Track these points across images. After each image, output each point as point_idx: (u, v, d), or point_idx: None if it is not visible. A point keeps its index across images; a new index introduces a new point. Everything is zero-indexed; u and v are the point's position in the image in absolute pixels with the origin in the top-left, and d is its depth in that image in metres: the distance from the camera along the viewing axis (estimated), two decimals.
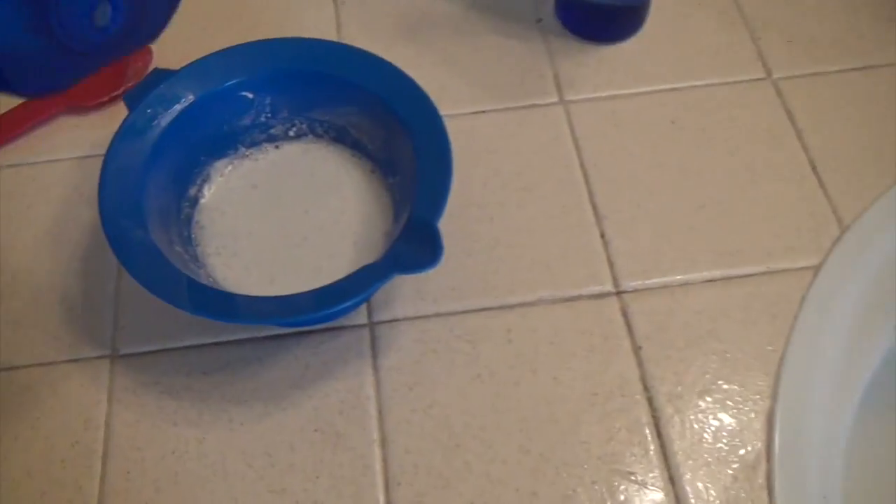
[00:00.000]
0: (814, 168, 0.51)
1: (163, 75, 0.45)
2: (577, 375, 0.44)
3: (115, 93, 0.53)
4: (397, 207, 0.45)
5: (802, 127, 0.52)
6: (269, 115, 0.47)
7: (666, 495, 0.40)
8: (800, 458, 0.41)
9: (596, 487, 0.40)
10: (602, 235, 0.48)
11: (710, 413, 0.42)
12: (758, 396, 0.43)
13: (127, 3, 0.48)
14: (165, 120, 0.44)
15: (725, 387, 0.43)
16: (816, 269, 0.47)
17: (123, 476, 0.41)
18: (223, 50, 0.46)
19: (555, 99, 0.54)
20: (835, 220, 0.48)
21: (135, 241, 0.39)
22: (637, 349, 0.45)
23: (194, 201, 0.46)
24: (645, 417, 0.42)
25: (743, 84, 0.54)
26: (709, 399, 0.43)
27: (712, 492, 0.40)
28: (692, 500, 0.40)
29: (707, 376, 0.44)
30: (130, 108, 0.44)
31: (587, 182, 0.50)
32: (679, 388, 0.43)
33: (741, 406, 0.43)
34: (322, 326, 0.45)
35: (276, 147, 0.48)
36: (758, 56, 0.56)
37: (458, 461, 0.41)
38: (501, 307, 0.46)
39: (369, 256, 0.44)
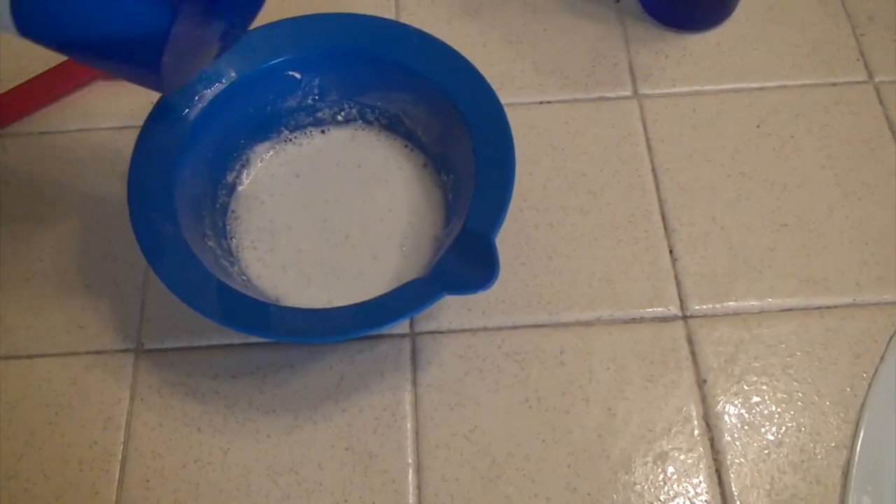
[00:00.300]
0: None
1: None
2: (634, 408, 0.40)
3: None
4: (450, 210, 0.41)
5: None
6: (317, 97, 0.44)
7: None
8: None
9: None
10: (671, 251, 0.44)
11: (779, 462, 0.39)
12: (833, 446, 0.39)
13: None
14: (205, 99, 0.41)
15: (798, 433, 0.39)
16: None
17: (142, 484, 0.38)
18: (269, 24, 0.42)
19: (628, 92, 0.49)
20: None
21: (164, 237, 0.36)
22: (702, 382, 0.41)
23: (231, 188, 0.43)
24: (705, 461, 0.39)
25: (840, 87, 0.49)
26: (778, 447, 0.39)
27: None
28: None
29: (778, 419, 0.40)
30: None
31: (658, 189, 0.46)
32: (746, 430, 0.39)
33: (814, 457, 0.39)
34: None
35: (323, 132, 0.45)
36: (859, 55, 0.50)
37: (497, 494, 0.38)
38: (556, 325, 0.42)
39: (416, 263, 0.41)
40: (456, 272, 0.35)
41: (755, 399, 0.40)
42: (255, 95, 0.42)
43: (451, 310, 0.42)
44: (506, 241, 0.44)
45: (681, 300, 0.43)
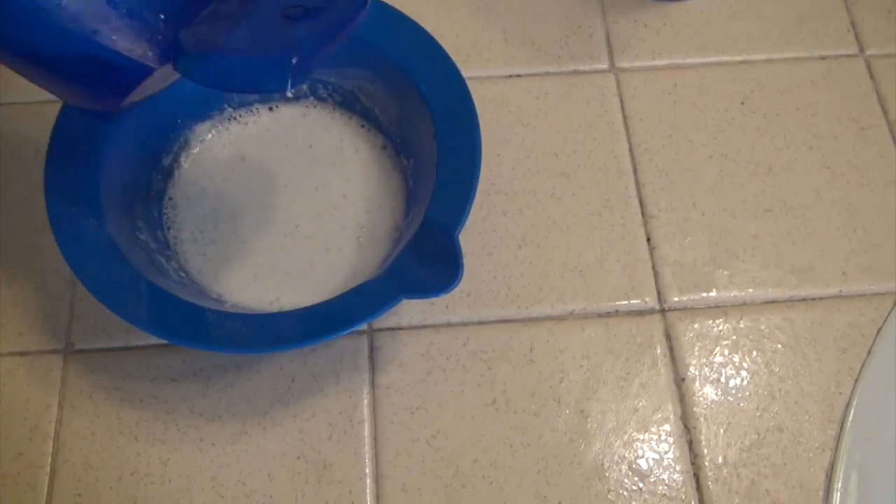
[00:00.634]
0: None
1: None
2: (608, 409, 0.37)
3: None
4: (410, 197, 0.38)
5: None
6: None
7: None
8: None
9: None
10: (648, 239, 0.41)
11: (759, 466, 0.36)
12: (817, 448, 0.37)
13: None
14: None
15: (780, 434, 0.37)
16: None
17: (73, 499, 0.35)
18: None
19: (605, 65, 0.45)
20: None
21: (87, 234, 0.32)
22: (679, 381, 0.38)
23: (168, 173, 0.39)
24: (682, 465, 0.36)
25: (829, 60, 0.46)
26: (760, 448, 0.37)
27: None
28: None
29: (759, 420, 0.37)
30: None
31: (635, 172, 0.42)
32: (725, 432, 0.37)
33: (797, 459, 0.36)
34: None
35: (271, 109, 0.40)
36: (850, 26, 0.47)
37: None
38: (525, 320, 0.39)
39: (373, 256, 0.37)
40: (415, 272, 0.32)
41: (736, 399, 0.38)
42: None
43: (412, 304, 0.39)
44: (471, 228, 0.40)
45: (658, 292, 0.40)
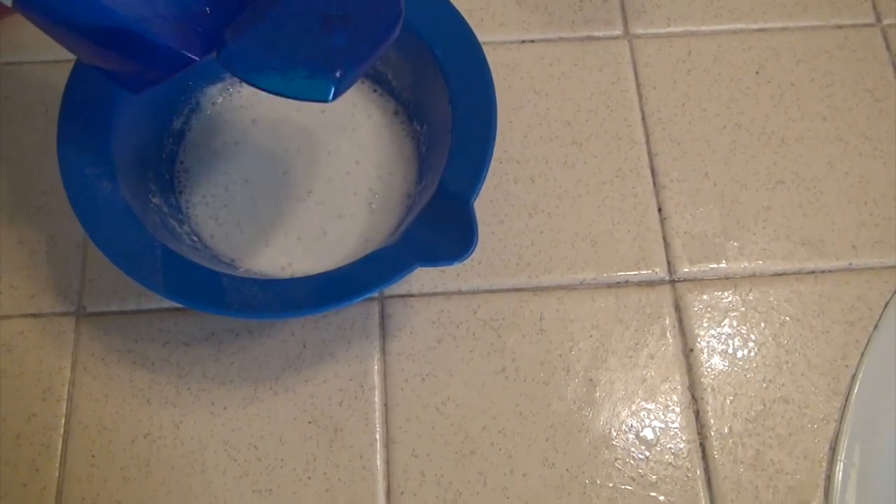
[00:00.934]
0: None
1: None
2: (616, 378, 0.38)
3: None
4: (423, 164, 0.38)
5: None
6: None
7: None
8: (861, 499, 0.36)
9: None
10: (659, 209, 0.41)
11: (765, 436, 0.37)
12: (822, 419, 0.37)
13: None
14: None
15: (786, 405, 0.37)
16: None
17: (87, 460, 0.35)
18: None
19: (619, 31, 0.45)
20: None
21: (102, 198, 0.32)
22: (688, 351, 0.38)
23: (179, 136, 0.38)
24: (689, 434, 0.37)
25: (846, 29, 0.45)
26: (766, 419, 0.37)
27: None
28: None
29: (765, 391, 0.38)
30: None
31: (648, 141, 0.42)
32: (731, 403, 0.37)
33: (801, 430, 0.37)
34: None
35: None
36: None
37: (471, 470, 0.36)
38: (535, 289, 0.39)
39: (385, 222, 0.37)
40: (429, 240, 0.32)
41: (743, 370, 0.38)
42: None
43: (424, 271, 0.39)
44: (483, 196, 0.40)
45: (669, 263, 0.40)
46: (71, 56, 0.36)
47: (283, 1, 0.27)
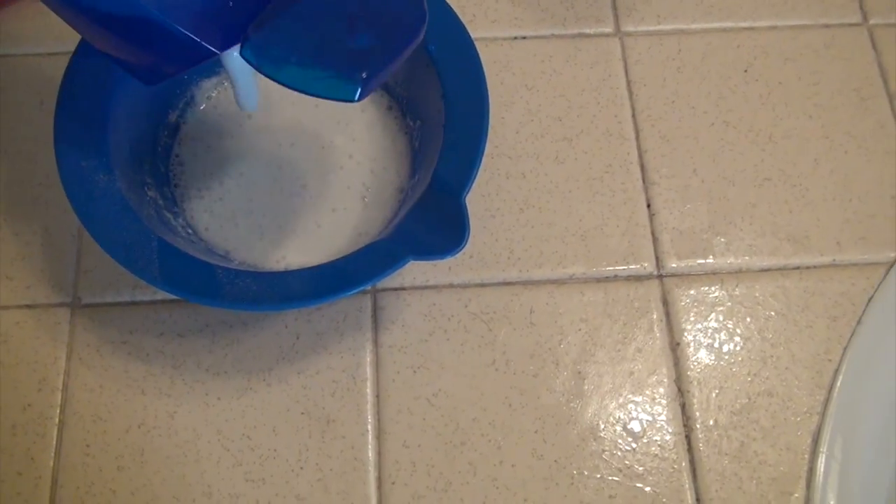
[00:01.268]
0: None
1: None
2: (604, 371, 0.38)
3: None
4: (416, 159, 0.38)
5: None
6: None
7: None
8: (842, 490, 0.37)
9: (615, 503, 0.36)
10: (648, 205, 0.41)
11: (749, 428, 0.38)
12: (805, 412, 0.38)
13: None
14: None
15: (770, 399, 0.38)
16: (889, 267, 0.41)
17: (82, 449, 0.36)
18: None
19: (610, 29, 0.45)
20: None
21: (98, 190, 0.32)
22: (675, 345, 0.39)
23: (174, 129, 0.39)
24: (675, 426, 0.38)
25: (833, 29, 0.46)
26: (750, 412, 0.38)
27: None
28: None
29: (750, 384, 0.38)
30: None
31: (638, 138, 0.43)
32: (717, 396, 0.38)
33: (785, 423, 0.38)
34: None
35: None
36: None
37: (461, 461, 0.37)
38: (525, 283, 0.40)
39: (378, 216, 0.38)
40: (422, 234, 0.32)
41: (728, 364, 0.39)
42: None
43: (416, 265, 0.39)
44: (474, 191, 0.41)
45: (657, 258, 0.41)
46: (66, 49, 0.36)
47: None
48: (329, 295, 0.31)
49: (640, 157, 0.42)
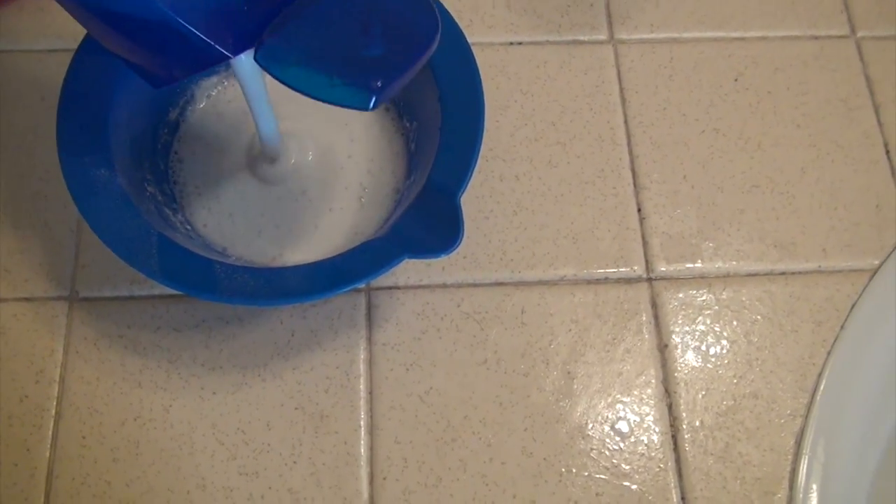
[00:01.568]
0: (888, 152, 0.44)
1: None
2: (593, 371, 0.39)
3: None
4: (412, 160, 0.39)
5: (882, 101, 0.45)
6: None
7: None
8: (823, 491, 0.38)
9: (601, 501, 0.37)
10: (639, 209, 0.42)
11: (734, 429, 0.38)
12: (789, 414, 0.39)
13: None
14: None
15: (755, 401, 0.39)
16: (873, 273, 0.42)
17: (78, 441, 0.36)
18: None
19: (604, 36, 0.46)
20: None
21: (99, 184, 0.33)
22: (662, 347, 0.40)
23: (174, 127, 0.39)
24: (661, 426, 0.38)
25: (821, 40, 0.47)
26: (735, 413, 0.39)
27: None
28: None
29: (736, 386, 0.39)
30: None
31: (629, 143, 0.44)
32: (703, 397, 0.39)
33: (769, 425, 0.38)
34: None
35: None
36: (843, 6, 0.48)
37: (452, 458, 0.37)
38: (517, 283, 0.40)
39: (374, 216, 0.38)
40: (417, 233, 0.33)
41: (715, 366, 0.39)
42: None
43: (410, 264, 0.40)
44: (469, 192, 0.41)
45: (646, 261, 0.41)
46: (67, 45, 0.37)
47: (323, 4, 0.27)
48: (325, 291, 0.32)
49: (632, 162, 0.43)
